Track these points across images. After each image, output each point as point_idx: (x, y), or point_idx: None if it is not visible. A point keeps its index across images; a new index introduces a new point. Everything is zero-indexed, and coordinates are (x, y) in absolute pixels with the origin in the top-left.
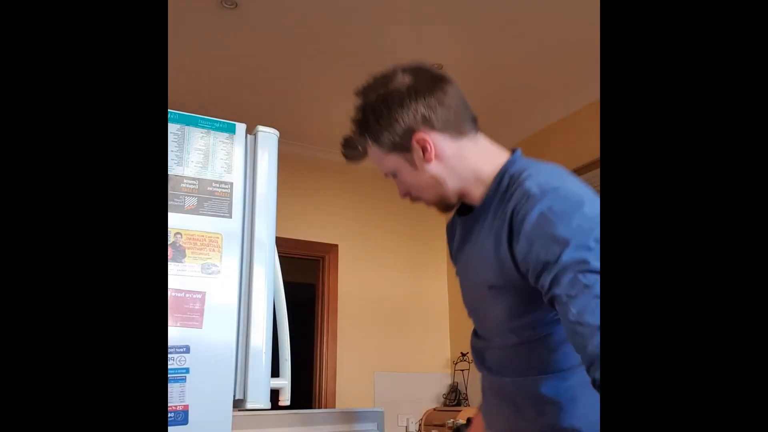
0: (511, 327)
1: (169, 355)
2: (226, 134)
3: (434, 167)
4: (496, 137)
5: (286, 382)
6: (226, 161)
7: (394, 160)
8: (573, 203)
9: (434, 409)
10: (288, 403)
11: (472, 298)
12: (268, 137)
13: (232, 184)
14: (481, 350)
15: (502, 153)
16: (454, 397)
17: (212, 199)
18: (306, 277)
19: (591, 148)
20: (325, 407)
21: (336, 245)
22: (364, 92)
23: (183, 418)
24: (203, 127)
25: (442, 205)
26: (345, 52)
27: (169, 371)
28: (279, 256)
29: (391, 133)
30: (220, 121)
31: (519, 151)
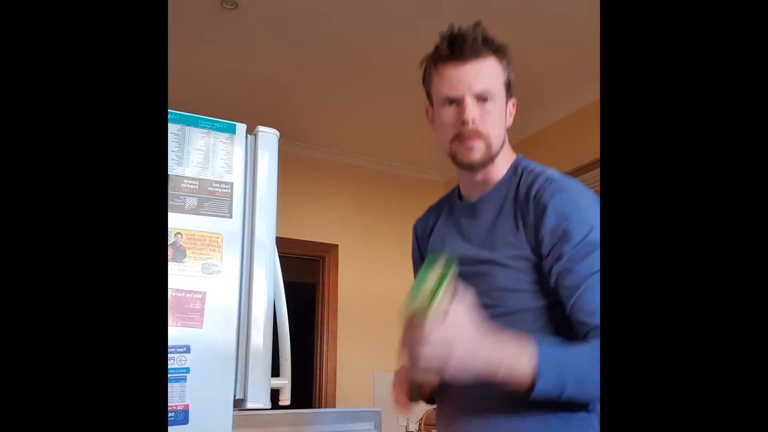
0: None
1: (169, 355)
2: (227, 134)
3: (507, 128)
4: None
5: (287, 382)
6: (227, 161)
7: (500, 89)
8: (591, 197)
9: (434, 409)
10: (288, 402)
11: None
12: (268, 137)
13: (232, 184)
14: None
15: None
16: None
17: (212, 199)
18: (306, 277)
19: (591, 148)
20: (325, 407)
21: (336, 245)
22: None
23: (183, 417)
24: (203, 128)
25: (480, 159)
26: (345, 51)
27: (169, 371)
28: (279, 256)
29: (509, 75)
30: (221, 122)
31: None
